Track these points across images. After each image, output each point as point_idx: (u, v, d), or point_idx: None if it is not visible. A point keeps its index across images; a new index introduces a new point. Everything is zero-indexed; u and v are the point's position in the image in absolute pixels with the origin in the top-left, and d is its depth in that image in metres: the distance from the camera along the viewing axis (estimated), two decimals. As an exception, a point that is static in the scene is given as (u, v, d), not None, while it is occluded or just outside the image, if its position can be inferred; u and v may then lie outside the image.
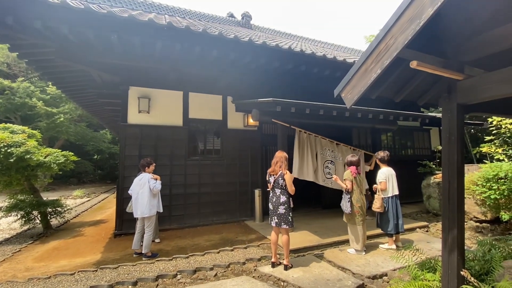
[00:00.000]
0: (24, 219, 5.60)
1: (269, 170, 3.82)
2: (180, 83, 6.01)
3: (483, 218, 5.75)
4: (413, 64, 2.02)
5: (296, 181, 3.90)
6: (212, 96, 6.42)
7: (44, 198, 6.38)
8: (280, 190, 3.65)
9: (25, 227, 5.88)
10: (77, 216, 7.65)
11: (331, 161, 5.70)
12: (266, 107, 4.76)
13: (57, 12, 3.54)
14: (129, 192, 4.36)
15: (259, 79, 6.07)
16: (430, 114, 8.53)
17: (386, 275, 3.53)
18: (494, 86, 2.12)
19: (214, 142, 6.51)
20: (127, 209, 4.53)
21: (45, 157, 5.58)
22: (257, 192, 6.13)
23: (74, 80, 6.45)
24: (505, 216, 4.68)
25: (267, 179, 3.85)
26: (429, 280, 2.54)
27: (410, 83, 2.75)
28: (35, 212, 5.75)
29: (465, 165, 7.32)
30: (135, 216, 4.27)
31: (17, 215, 5.56)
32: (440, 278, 2.44)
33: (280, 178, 3.64)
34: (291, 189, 3.61)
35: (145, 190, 4.21)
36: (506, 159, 7.05)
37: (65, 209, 6.40)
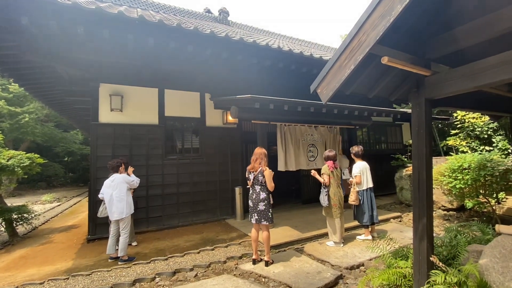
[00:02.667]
0: (-15, 227, 5.17)
1: (248, 167, 3.81)
2: (155, 79, 5.81)
3: (450, 206, 6.14)
4: (384, 60, 2.08)
5: (276, 177, 3.92)
6: (189, 93, 6.27)
7: (11, 204, 5.93)
8: (259, 187, 3.66)
9: (-13, 236, 5.43)
10: (46, 222, 7.19)
11: (312, 144, 5.87)
12: (245, 103, 4.74)
13: (15, 2, 3.26)
14: (99, 196, 4.14)
15: (238, 76, 6.01)
16: (401, 109, 8.93)
17: (363, 265, 3.66)
18: (457, 81, 2.24)
19: (192, 140, 6.38)
20: (98, 214, 4.30)
21: (7, 160, 5.18)
22: (237, 190, 6.10)
23: (39, 77, 6.01)
24: (469, 203, 5.02)
25: (246, 176, 3.84)
26: (402, 267, 2.66)
27: (382, 79, 2.84)
28: (-2, 220, 5.32)
29: (433, 157, 7.77)
30: (111, 219, 4.08)
31: (-24, 223, 5.12)
32: (412, 265, 2.56)
33: (259, 175, 3.64)
34: (271, 185, 3.63)
35: (120, 191, 4.03)
36: (469, 151, 7.56)
37: (33, 215, 5.98)
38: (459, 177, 4.78)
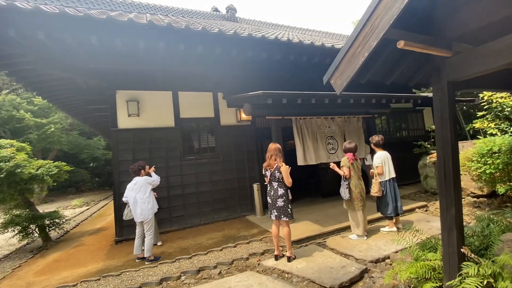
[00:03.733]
0: (21, 234, 5.52)
1: (264, 164, 3.79)
2: (168, 83, 5.90)
3: (480, 193, 5.82)
4: (400, 44, 1.97)
5: (294, 172, 3.87)
6: (202, 93, 6.33)
7: (42, 210, 6.30)
8: (277, 183, 3.63)
9: (24, 242, 5.81)
10: (77, 225, 7.58)
11: (331, 136, 5.74)
12: (257, 100, 4.70)
13: (31, 19, 3.41)
14: (123, 199, 4.30)
15: (249, 72, 5.98)
16: (422, 94, 8.53)
17: (388, 257, 3.55)
18: (483, 60, 2.09)
19: (208, 140, 6.45)
20: (124, 217, 4.46)
21: (37, 170, 5.48)
22: (255, 186, 6.11)
23: (59, 89, 6.29)
24: (501, 189, 4.72)
25: (263, 173, 3.83)
26: (430, 260, 2.54)
27: (399, 64, 2.71)
28: (32, 226, 5.66)
29: (459, 142, 7.40)
30: (136, 221, 4.23)
31: (14, 230, 5.47)
32: (441, 257, 2.44)
33: (276, 171, 3.61)
34: (288, 181, 3.59)
35: (143, 193, 4.16)
36: (499, 133, 7.09)
37: (64, 220, 6.32)
38: (488, 162, 4.51)
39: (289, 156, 5.64)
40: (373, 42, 2.05)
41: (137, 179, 4.23)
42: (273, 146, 3.73)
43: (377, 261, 3.48)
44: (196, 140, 6.36)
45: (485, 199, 5.72)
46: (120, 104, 5.51)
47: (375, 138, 4.51)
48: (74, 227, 7.35)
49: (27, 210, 5.71)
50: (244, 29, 6.12)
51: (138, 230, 4.28)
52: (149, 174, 4.52)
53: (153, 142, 5.74)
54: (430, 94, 9.58)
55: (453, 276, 2.26)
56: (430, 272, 2.40)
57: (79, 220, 8.24)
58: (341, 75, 2.41)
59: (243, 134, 6.61)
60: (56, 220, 6.01)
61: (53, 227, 5.99)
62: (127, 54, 4.64)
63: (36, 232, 5.77)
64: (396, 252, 3.61)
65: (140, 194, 4.15)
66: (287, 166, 3.63)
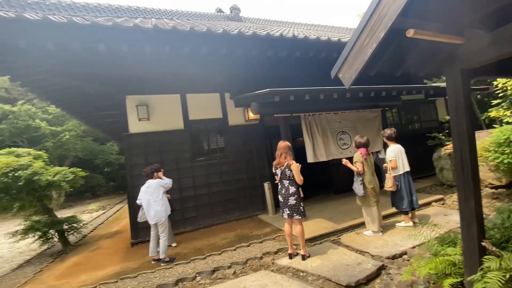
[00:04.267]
0: (42, 239, 5.70)
1: (274, 163, 3.76)
2: (176, 86, 5.96)
3: (498, 183, 5.60)
4: (410, 33, 1.91)
5: (305, 169, 3.83)
6: (209, 94, 6.35)
7: (61, 216, 6.49)
8: (288, 181, 3.60)
9: (44, 247, 5.99)
10: (94, 229, 7.77)
11: (343, 131, 5.63)
12: (264, 98, 4.68)
13: (40, 29, 3.50)
14: (137, 201, 4.39)
15: (255, 71, 5.96)
16: (433, 84, 8.28)
17: (405, 253, 3.47)
18: (496, 46, 2.00)
19: (217, 140, 6.47)
20: (138, 219, 4.56)
21: (53, 176, 5.64)
22: (266, 185, 6.09)
23: (71, 97, 6.45)
24: (522, 179, 4.53)
25: (273, 171, 3.80)
26: (450, 255, 2.46)
27: (409, 54, 2.62)
28: (51, 231, 5.84)
29: (475, 132, 7.11)
30: (150, 223, 4.30)
31: (34, 236, 5.66)
32: (461, 252, 2.36)
33: (286, 169, 3.58)
34: (299, 179, 3.55)
35: (156, 196, 4.22)
36: (516, 121, 6.82)
37: (81, 224, 6.49)
38: (506, 151, 4.34)
39: (299, 154, 5.59)
40: (381, 33, 2.00)
41: (150, 182, 4.29)
42: (283, 144, 3.70)
43: (394, 257, 3.40)
44: (206, 141, 6.39)
45: (504, 189, 5.50)
46: (130, 109, 5.60)
47: (387, 132, 4.41)
48: (92, 231, 7.54)
49: (46, 216, 5.90)
50: (249, 28, 6.11)
51: (152, 232, 4.35)
52: (160, 177, 4.57)
53: (163, 145, 5.81)
54: (443, 84, 9.30)
55: (474, 270, 2.18)
56: (450, 268, 2.32)
57: (96, 224, 8.45)
58: (349, 68, 2.36)
59: (251, 133, 6.60)
60: (74, 224, 6.18)
61: (71, 232, 6.17)
62: (135, 59, 4.70)
63: (56, 237, 5.96)
64: (413, 247, 3.52)
65: (153, 197, 4.21)
66: (298, 164, 3.60)
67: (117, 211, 11.02)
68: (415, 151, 7.88)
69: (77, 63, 4.49)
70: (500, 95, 7.19)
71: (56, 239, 5.98)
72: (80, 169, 6.40)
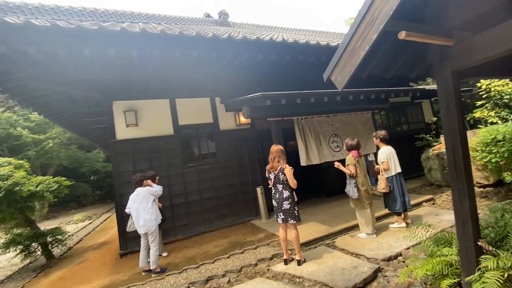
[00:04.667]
0: (24, 253, 5.41)
1: (267, 167, 3.71)
2: (165, 90, 5.85)
3: (486, 182, 5.75)
4: (402, 35, 1.92)
5: (297, 172, 3.80)
6: (199, 99, 6.27)
7: (44, 228, 6.19)
8: (282, 186, 3.55)
9: (27, 261, 5.69)
10: (80, 241, 7.46)
11: (335, 134, 5.65)
12: (256, 102, 4.64)
13: (22, 34, 3.35)
14: (126, 210, 4.23)
15: (246, 75, 5.94)
16: (419, 87, 8.51)
17: (400, 255, 3.47)
18: (486, 47, 2.03)
19: (208, 145, 6.38)
20: (127, 228, 4.39)
21: (36, 187, 5.39)
22: (259, 190, 6.03)
23: (54, 103, 6.22)
24: (508, 177, 4.65)
25: (267, 176, 3.75)
26: (446, 255, 2.47)
27: (400, 57, 2.65)
28: (34, 244, 5.55)
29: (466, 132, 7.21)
30: (139, 232, 4.14)
31: (16, 250, 5.36)
32: (457, 252, 2.37)
33: (280, 173, 3.53)
34: (293, 182, 3.51)
35: (146, 205, 4.08)
36: (499, 121, 7.05)
37: (66, 236, 6.21)
38: (494, 151, 4.45)
39: (290, 157, 5.57)
40: (373, 35, 2.01)
41: (139, 190, 4.15)
42: (276, 148, 3.66)
43: (389, 259, 3.40)
44: (196, 147, 6.28)
45: (492, 188, 5.65)
46: (117, 115, 5.44)
47: (379, 133, 4.45)
48: (77, 243, 7.24)
49: (28, 228, 5.60)
50: (238, 33, 6.08)
51: (142, 242, 4.19)
52: (150, 185, 4.42)
53: (153, 151, 5.66)
54: (428, 87, 9.55)
55: (471, 271, 2.18)
56: (447, 268, 2.32)
57: (82, 235, 8.12)
58: (342, 71, 2.36)
59: (243, 137, 6.55)
60: (59, 236, 5.90)
61: (55, 244, 5.88)
62: (122, 64, 4.59)
63: (39, 250, 5.66)
64: (408, 248, 3.53)
65: (143, 205, 4.07)
66: (291, 167, 3.56)
67: (104, 220, 10.66)
68: (404, 152, 8.00)
69: (62, 69, 4.33)
70: (484, 96, 7.43)
71: (39, 253, 5.69)
72: (65, 178, 6.15)
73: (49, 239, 5.71)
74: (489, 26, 1.99)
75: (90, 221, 11.20)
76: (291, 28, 11.63)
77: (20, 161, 5.89)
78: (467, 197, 2.20)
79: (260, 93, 4.29)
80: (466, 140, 2.28)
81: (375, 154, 5.20)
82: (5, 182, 4.77)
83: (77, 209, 15.44)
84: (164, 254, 4.77)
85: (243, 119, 6.32)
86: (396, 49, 2.54)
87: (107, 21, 5.66)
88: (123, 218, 5.20)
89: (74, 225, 10.65)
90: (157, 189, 4.35)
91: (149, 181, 4.44)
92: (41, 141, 12.92)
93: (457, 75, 2.27)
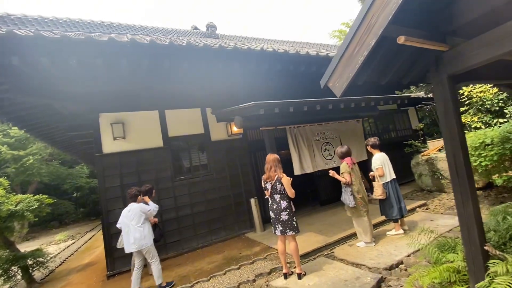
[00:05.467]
0: (2, 277, 4.97)
1: (263, 177, 3.61)
2: (154, 102, 5.70)
3: (476, 186, 5.85)
4: (401, 40, 1.92)
5: (293, 181, 3.70)
6: (190, 110, 6.16)
7: (24, 250, 5.76)
8: (279, 196, 3.45)
9: (6, 286, 5.23)
10: (63, 262, 7.00)
11: (327, 142, 5.63)
12: (249, 111, 4.58)
13: (3, 44, 3.18)
14: (117, 225, 3.98)
15: (237, 85, 5.87)
16: (405, 95, 8.75)
17: (402, 262, 3.41)
18: (480, 51, 2.07)
19: (200, 157, 6.22)
20: (117, 245, 4.14)
21: (16, 206, 5.05)
22: (253, 201, 5.89)
23: (36, 117, 5.93)
24: (498, 180, 4.75)
25: (263, 186, 3.64)
26: (451, 261, 2.42)
27: (395, 63, 2.67)
28: (14, 268, 5.13)
29: (441, 139, 7.41)
30: (128, 250, 3.85)
31: (-8, 275, 4.93)
32: (463, 257, 2.33)
33: (277, 183, 3.44)
34: (291, 192, 3.42)
35: (137, 222, 3.83)
36: (483, 126, 7.30)
37: (48, 257, 5.79)
38: (483, 154, 4.54)
39: (284, 166, 5.50)
40: (372, 40, 2.00)
41: (132, 206, 3.90)
42: (272, 157, 3.57)
43: (391, 267, 3.32)
44: (187, 159, 6.12)
45: (481, 191, 5.76)
46: (104, 128, 5.23)
47: (372, 140, 4.47)
48: (60, 265, 6.78)
49: (7, 250, 5.19)
50: (228, 44, 6.08)
51: (137, 261, 3.93)
52: (146, 202, 4.20)
53: (141, 165, 5.45)
54: (413, 94, 9.83)
55: (479, 276, 2.13)
56: (455, 275, 2.27)
57: (64, 257, 7.63)
58: (340, 77, 2.34)
59: (235, 148, 6.44)
60: (40, 259, 5.48)
61: (36, 267, 5.46)
62: (109, 75, 4.43)
63: (19, 274, 5.24)
64: (409, 256, 3.48)
65: (133, 222, 3.83)
66: (289, 178, 3.47)
67: (89, 239, 10.11)
68: (393, 159, 8.08)
69: (45, 80, 4.12)
70: (466, 102, 7.69)
71: (19, 277, 5.25)
72: (46, 196, 5.80)
73: (29, 262, 5.30)
74: (482, 31, 2.03)
75: (73, 240, 10.60)
76: (279, 40, 11.84)
77: (-2, 179, 5.52)
78: (470, 201, 2.18)
79: (253, 102, 4.24)
80: (466, 143, 2.28)
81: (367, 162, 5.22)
82: (-19, 202, 4.43)
83: (59, 228, 14.62)
84: (155, 273, 4.50)
85: (235, 129, 6.24)
86: (391, 55, 2.55)
87: (93, 32, 5.51)
88: (110, 237, 4.94)
89: (56, 246, 10.04)
90: (151, 208, 4.06)
91: (146, 197, 4.19)
92: (21, 157, 12.30)
93: (453, 80, 2.29)
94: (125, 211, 3.91)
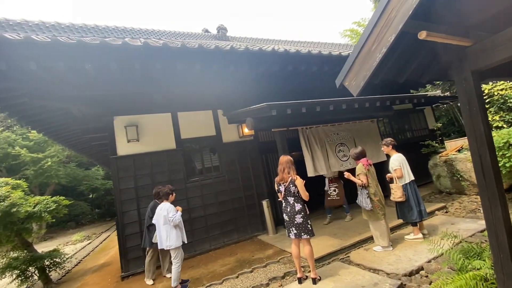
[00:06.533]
0: (20, 278, 5.11)
1: (277, 179, 3.55)
2: (166, 104, 5.75)
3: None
4: (422, 35, 1.83)
5: (306, 183, 3.62)
6: (202, 112, 6.17)
7: (42, 249, 5.92)
8: (293, 198, 3.38)
9: (23, 287, 5.37)
10: (79, 263, 7.15)
11: (341, 143, 5.51)
12: (260, 113, 4.53)
13: (22, 50, 3.27)
14: (153, 221, 4.09)
15: (247, 87, 5.87)
16: (422, 93, 8.48)
17: (422, 269, 3.26)
18: (507, 46, 1.94)
19: (212, 159, 6.22)
20: (153, 239, 4.24)
21: (34, 207, 5.18)
22: (265, 203, 5.83)
23: (54, 121, 6.11)
24: (524, 182, 4.51)
25: (276, 188, 3.58)
26: (478, 269, 2.28)
27: (413, 60, 2.57)
28: (31, 268, 5.26)
29: (461, 139, 7.20)
30: (159, 247, 3.94)
31: (12, 275, 5.07)
32: (491, 264, 2.19)
33: (291, 185, 3.37)
34: (305, 194, 3.34)
35: (165, 221, 3.89)
36: (505, 125, 6.98)
37: (65, 258, 5.92)
38: (507, 154, 4.32)
39: (297, 167, 5.42)
40: (391, 36, 1.92)
41: (163, 205, 3.96)
42: (285, 159, 3.51)
43: (410, 274, 3.18)
44: (199, 160, 6.13)
45: (506, 193, 5.47)
46: (118, 131, 5.31)
47: (388, 140, 4.32)
48: (76, 265, 6.93)
49: (25, 251, 5.33)
50: (239, 46, 6.08)
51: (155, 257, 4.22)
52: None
53: (155, 167, 5.50)
54: (430, 93, 9.51)
55: (509, 285, 2.00)
56: (482, 283, 2.14)
57: (80, 257, 7.79)
58: (356, 75, 2.26)
59: (246, 149, 6.41)
60: (57, 259, 5.60)
61: (53, 268, 5.58)
62: (123, 79, 4.51)
63: (36, 275, 5.37)
64: (429, 261, 3.33)
65: (161, 221, 3.90)
66: (302, 179, 3.40)
67: (104, 240, 10.32)
68: (409, 160, 7.88)
69: (62, 85, 4.24)
70: (487, 100, 7.38)
71: (36, 277, 5.39)
72: (63, 197, 5.93)
73: (46, 263, 5.43)
74: (509, 24, 1.91)
75: (89, 241, 10.84)
76: (289, 40, 11.75)
77: (18, 181, 5.69)
78: (498, 205, 2.05)
79: (265, 104, 4.19)
80: (493, 143, 2.15)
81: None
82: (2, 203, 4.56)
83: (76, 229, 15.03)
84: (168, 275, 4.51)
85: (246, 131, 6.21)
86: (410, 51, 2.45)
87: (108, 37, 5.63)
88: (124, 238, 5.00)
89: (72, 246, 10.29)
90: (176, 218, 3.90)
91: (178, 208, 4.12)
92: (40, 159, 12.71)
93: (477, 76, 2.17)
94: (158, 208, 4.00)
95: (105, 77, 4.31)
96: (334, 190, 5.74)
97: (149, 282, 4.40)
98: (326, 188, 5.90)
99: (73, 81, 4.23)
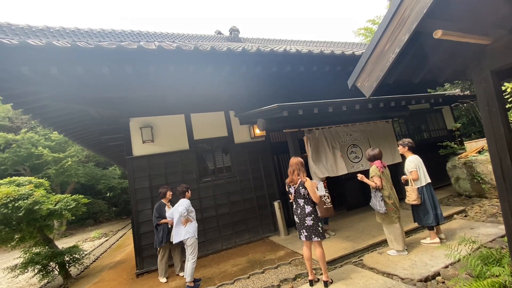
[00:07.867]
0: (41, 272, 5.36)
1: (287, 180, 3.53)
2: (180, 106, 5.86)
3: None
4: (438, 34, 1.78)
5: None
6: (214, 113, 6.25)
7: (62, 245, 6.18)
8: (303, 200, 3.36)
9: (44, 281, 5.64)
10: (97, 259, 7.41)
11: (354, 144, 5.39)
12: (272, 114, 4.53)
13: (44, 55, 3.43)
14: (168, 219, 4.40)
15: (259, 88, 5.89)
16: (440, 93, 8.20)
17: (439, 274, 3.15)
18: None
19: (223, 159, 6.28)
20: (171, 238, 4.39)
21: (55, 205, 5.42)
22: (276, 204, 5.82)
23: (73, 122, 6.36)
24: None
25: (287, 190, 3.57)
26: (497, 276, 2.18)
27: (428, 59, 2.49)
28: (52, 264, 5.51)
29: (481, 139, 6.87)
30: (176, 240, 4.11)
31: (34, 269, 5.33)
32: (511, 272, 2.09)
33: (300, 187, 3.34)
34: (315, 196, 3.31)
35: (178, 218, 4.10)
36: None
37: (83, 254, 6.16)
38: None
39: (307, 169, 5.36)
40: (405, 36, 1.87)
41: (181, 202, 4.14)
42: (295, 160, 3.49)
43: (426, 279, 3.09)
44: (211, 161, 6.21)
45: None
46: (134, 132, 5.47)
47: (405, 141, 4.20)
48: (94, 261, 7.18)
49: (47, 247, 5.59)
50: (251, 47, 6.11)
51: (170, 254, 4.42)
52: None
53: (168, 167, 5.62)
54: (448, 92, 9.18)
55: (532, 295, 1.91)
56: (502, 292, 2.04)
57: (98, 253, 8.07)
58: (369, 76, 2.22)
59: (258, 150, 6.43)
60: (76, 255, 5.85)
61: (73, 263, 5.82)
62: (138, 81, 4.63)
63: (56, 270, 5.62)
64: (446, 267, 3.21)
65: (177, 216, 4.07)
66: (314, 181, 3.37)
67: (120, 237, 10.63)
68: (426, 161, 7.62)
69: (80, 88, 4.42)
70: (509, 99, 7.03)
71: (56, 272, 5.63)
72: (82, 196, 6.18)
73: (66, 258, 5.67)
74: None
75: (106, 238, 11.20)
76: (301, 40, 11.67)
77: (40, 180, 5.99)
78: (520, 210, 1.96)
79: (276, 105, 4.18)
80: (514, 145, 2.05)
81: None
82: (25, 201, 4.81)
83: (94, 226, 15.58)
84: (181, 273, 4.60)
85: (258, 132, 6.23)
86: (426, 51, 2.39)
87: (124, 41, 5.82)
88: (139, 236, 5.13)
89: (90, 243, 10.67)
90: (182, 210, 4.03)
91: (188, 194, 4.35)
92: (61, 159, 13.29)
93: (497, 75, 2.09)
94: (176, 205, 4.18)
95: (121, 79, 4.45)
96: (328, 197, 4.82)
97: (163, 280, 4.49)
98: (321, 194, 4.33)
99: (91, 83, 4.40)
